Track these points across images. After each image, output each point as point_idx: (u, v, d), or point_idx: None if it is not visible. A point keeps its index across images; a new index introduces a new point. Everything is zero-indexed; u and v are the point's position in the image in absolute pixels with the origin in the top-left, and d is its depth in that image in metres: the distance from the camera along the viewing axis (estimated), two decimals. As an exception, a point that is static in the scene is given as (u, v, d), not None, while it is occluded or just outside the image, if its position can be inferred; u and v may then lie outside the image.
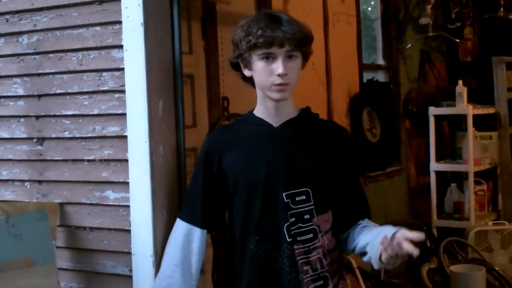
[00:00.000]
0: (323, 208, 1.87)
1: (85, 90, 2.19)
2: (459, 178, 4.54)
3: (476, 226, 4.02)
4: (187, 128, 2.32)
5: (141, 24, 2.04)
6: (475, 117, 4.28)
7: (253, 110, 1.94)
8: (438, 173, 4.42)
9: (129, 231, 2.11)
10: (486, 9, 4.85)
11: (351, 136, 2.65)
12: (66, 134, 2.24)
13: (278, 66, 1.78)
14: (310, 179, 1.85)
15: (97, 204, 2.20)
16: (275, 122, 1.88)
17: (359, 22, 4.32)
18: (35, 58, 2.29)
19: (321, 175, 1.88)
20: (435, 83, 5.09)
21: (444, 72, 5.24)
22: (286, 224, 1.82)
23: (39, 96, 2.29)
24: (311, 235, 1.84)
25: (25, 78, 2.32)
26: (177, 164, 2.16)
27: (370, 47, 4.79)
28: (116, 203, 2.16)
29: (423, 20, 4.60)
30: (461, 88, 4.25)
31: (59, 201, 2.27)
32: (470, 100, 4.32)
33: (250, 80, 1.88)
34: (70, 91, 2.23)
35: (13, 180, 2.37)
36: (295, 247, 1.82)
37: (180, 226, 1.95)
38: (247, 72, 1.86)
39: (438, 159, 4.48)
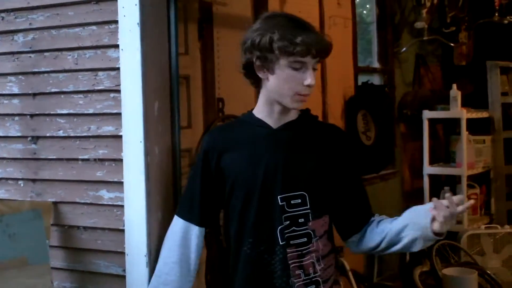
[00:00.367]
0: (320, 212, 1.87)
1: (80, 89, 2.19)
2: (453, 181, 4.55)
3: (469, 230, 4.03)
4: (182, 129, 2.32)
5: (138, 24, 2.03)
6: (469, 121, 4.29)
7: (252, 110, 1.93)
8: (431, 176, 4.43)
9: (123, 231, 2.11)
10: (481, 14, 4.87)
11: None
12: (61, 133, 2.24)
13: (309, 77, 1.76)
14: (307, 183, 1.85)
15: (91, 204, 2.20)
16: (275, 124, 1.88)
17: (355, 25, 4.33)
18: (30, 56, 2.29)
19: (319, 179, 1.87)
20: (430, 87, 5.10)
21: (439, 76, 5.25)
22: (280, 227, 1.82)
23: (34, 94, 2.29)
24: (305, 239, 1.83)
25: (20, 77, 2.32)
26: (172, 164, 2.16)
27: (365, 50, 4.80)
28: (110, 203, 2.16)
29: (419, 24, 4.61)
30: (455, 92, 4.27)
31: (53, 200, 2.27)
32: (465, 104, 4.34)
33: (256, 82, 1.86)
34: (65, 90, 2.22)
35: (7, 179, 2.36)
36: (288, 250, 1.82)
37: (178, 224, 1.95)
38: (262, 74, 1.82)
39: (432, 162, 4.49)
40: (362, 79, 4.41)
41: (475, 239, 3.99)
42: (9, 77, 2.34)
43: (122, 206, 2.11)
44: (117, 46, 2.10)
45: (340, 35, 4.12)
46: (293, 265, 1.82)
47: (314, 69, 1.80)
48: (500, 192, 4.66)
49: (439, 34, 4.87)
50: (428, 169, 4.41)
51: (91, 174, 2.19)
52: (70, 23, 2.20)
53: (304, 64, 1.76)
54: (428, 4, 4.57)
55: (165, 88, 2.14)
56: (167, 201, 2.13)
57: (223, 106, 2.92)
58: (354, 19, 4.31)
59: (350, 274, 3.29)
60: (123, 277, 2.12)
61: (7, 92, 2.35)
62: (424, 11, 4.57)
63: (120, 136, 2.10)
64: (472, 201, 1.78)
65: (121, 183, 2.11)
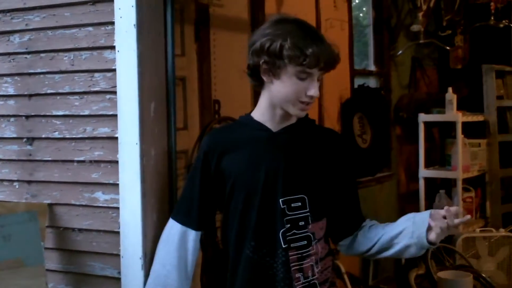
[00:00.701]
0: (319, 215, 1.88)
1: (76, 90, 2.19)
2: (448, 184, 4.56)
3: (464, 233, 4.03)
4: (178, 130, 2.31)
5: (134, 25, 2.03)
6: (465, 124, 4.30)
7: (250, 112, 1.92)
8: (427, 179, 4.44)
9: (118, 233, 2.10)
10: (477, 18, 4.88)
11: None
12: (57, 135, 2.23)
13: (314, 88, 1.78)
14: (307, 186, 1.86)
15: (86, 206, 2.19)
16: (275, 127, 1.88)
17: (352, 28, 4.33)
18: (26, 57, 2.28)
19: (318, 182, 1.88)
20: (426, 90, 5.11)
21: (435, 79, 5.27)
22: (282, 230, 1.82)
23: (30, 95, 2.28)
24: (305, 241, 1.84)
25: (16, 78, 2.31)
26: (168, 166, 2.15)
27: (362, 53, 4.80)
28: (105, 205, 2.15)
29: (415, 27, 4.62)
30: (451, 96, 4.28)
31: (49, 201, 2.26)
32: (461, 107, 4.35)
33: (259, 84, 1.86)
34: (61, 91, 2.22)
35: (2, 180, 2.36)
36: (289, 253, 1.82)
37: (175, 228, 1.94)
38: (267, 78, 1.81)
39: (428, 165, 4.50)
40: (358, 81, 4.41)
41: (470, 242, 3.99)
42: (5, 78, 2.33)
43: (118, 208, 2.10)
44: (113, 47, 2.09)
45: (337, 37, 4.12)
46: (294, 268, 1.83)
47: (318, 80, 1.81)
48: (495, 195, 4.67)
49: (435, 37, 4.88)
50: (424, 172, 4.42)
51: (86, 176, 2.18)
52: (66, 24, 2.19)
53: (310, 75, 1.77)
54: (424, 7, 4.59)
55: (161, 90, 2.14)
56: (163, 203, 2.12)
57: (219, 108, 2.91)
58: (350, 21, 4.31)
59: (345, 276, 3.29)
60: (118, 279, 2.11)
61: (2, 93, 2.34)
62: (420, 14, 4.58)
63: (116, 138, 2.10)
64: (469, 216, 1.79)
65: (117, 185, 2.10)
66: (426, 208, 4.34)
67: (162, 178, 2.13)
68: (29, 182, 2.30)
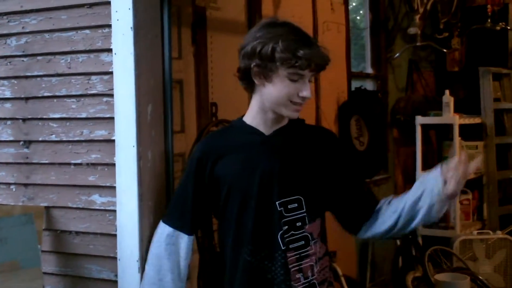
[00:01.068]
0: (315, 215, 1.88)
1: (73, 93, 2.18)
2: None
3: (461, 235, 4.04)
4: (175, 133, 2.31)
5: (131, 28, 2.03)
6: (462, 127, 4.31)
7: (242, 117, 1.93)
8: (424, 182, 4.44)
9: (115, 235, 2.10)
10: (474, 20, 4.90)
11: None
12: (53, 138, 2.23)
13: (306, 89, 1.79)
14: (303, 187, 1.86)
15: (83, 208, 2.19)
16: (267, 130, 1.88)
17: (349, 31, 4.34)
18: (23, 60, 2.28)
19: (313, 182, 1.88)
20: (423, 93, 5.12)
21: (432, 82, 5.28)
22: (280, 233, 1.82)
23: (27, 98, 2.28)
24: (303, 242, 1.84)
25: (13, 81, 2.31)
26: (165, 169, 2.15)
27: (359, 55, 4.81)
28: (102, 208, 2.15)
29: (412, 30, 4.63)
30: (447, 98, 4.29)
31: (45, 204, 2.25)
32: (457, 110, 4.36)
33: (250, 87, 1.86)
34: (58, 94, 2.22)
35: (-1, 183, 2.35)
36: (288, 255, 1.82)
37: (166, 231, 1.94)
38: (258, 81, 1.82)
39: (425, 168, 4.49)
40: (355, 84, 4.42)
41: (468, 244, 4.00)
42: (2, 81, 2.33)
43: (115, 210, 2.10)
44: (110, 50, 2.09)
45: (334, 40, 4.13)
46: (293, 269, 1.83)
47: (310, 81, 1.82)
48: (492, 197, 4.68)
49: (432, 40, 4.90)
50: (421, 174, 4.42)
51: (83, 179, 2.18)
52: (63, 27, 2.19)
53: (301, 76, 1.78)
54: (421, 10, 4.60)
55: (158, 93, 2.14)
56: (160, 206, 2.12)
57: (217, 111, 2.92)
58: (347, 24, 4.32)
59: (342, 279, 3.29)
60: (115, 282, 2.11)
61: (-1, 96, 2.34)
62: (417, 17, 4.60)
63: (113, 141, 2.10)
64: (479, 159, 1.89)
65: (114, 187, 2.10)
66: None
67: (159, 181, 2.13)
68: (26, 185, 2.30)
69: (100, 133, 2.14)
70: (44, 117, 2.25)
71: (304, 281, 1.84)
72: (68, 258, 2.23)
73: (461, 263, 3.82)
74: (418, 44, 4.73)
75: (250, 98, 1.92)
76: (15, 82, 2.30)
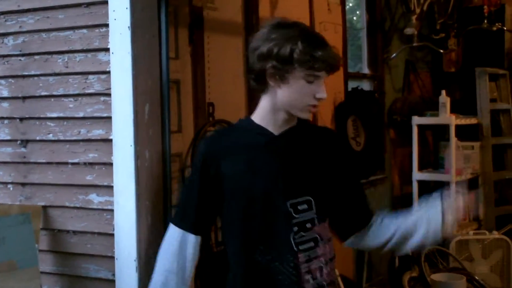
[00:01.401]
0: (324, 216, 1.89)
1: (70, 92, 2.19)
2: (442, 187, 4.58)
3: (457, 236, 4.05)
4: (173, 133, 2.31)
5: (128, 27, 2.03)
6: (458, 127, 4.32)
7: (250, 116, 1.91)
8: (420, 182, 4.45)
9: (112, 235, 2.10)
10: (470, 21, 4.90)
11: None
12: (51, 137, 2.23)
13: (322, 90, 1.80)
14: (312, 187, 1.86)
15: (81, 208, 2.19)
16: (276, 131, 1.87)
17: (345, 31, 4.34)
18: (20, 59, 2.28)
19: (322, 183, 1.89)
20: (419, 93, 5.13)
21: (428, 83, 5.28)
22: (290, 234, 1.82)
23: (24, 98, 2.28)
24: (312, 243, 1.85)
25: (10, 80, 2.31)
26: (163, 169, 2.15)
27: (355, 56, 4.82)
28: (100, 207, 2.15)
29: (408, 31, 4.64)
30: (444, 98, 4.29)
31: (43, 204, 2.26)
32: (454, 110, 4.37)
33: (263, 88, 1.85)
34: (55, 93, 2.22)
35: (-4, 183, 2.35)
36: (298, 255, 1.83)
37: (174, 233, 1.94)
38: (273, 82, 1.81)
39: (421, 168, 4.51)
40: (352, 85, 4.42)
41: (464, 244, 4.01)
42: (-1, 80, 2.33)
43: (112, 210, 2.10)
44: (107, 49, 2.09)
45: (330, 41, 4.12)
46: (303, 270, 1.83)
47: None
48: (488, 198, 4.69)
49: (428, 40, 4.90)
50: (417, 175, 4.43)
51: (81, 178, 2.18)
52: (60, 26, 2.19)
53: (317, 77, 1.79)
54: (417, 10, 4.61)
55: (156, 92, 2.14)
56: (157, 206, 2.12)
57: (214, 111, 2.91)
58: (344, 25, 4.33)
59: (339, 279, 3.29)
60: (113, 281, 2.11)
61: (-4, 95, 2.34)
62: (414, 17, 4.61)
63: (110, 140, 2.10)
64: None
65: (111, 187, 2.10)
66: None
67: (157, 180, 2.13)
68: (23, 184, 2.30)
69: (97, 132, 2.14)
70: (42, 116, 2.25)
71: (312, 282, 1.84)
72: (66, 257, 2.23)
73: (457, 263, 3.83)
74: (414, 44, 4.74)
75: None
76: (12, 81, 2.30)
